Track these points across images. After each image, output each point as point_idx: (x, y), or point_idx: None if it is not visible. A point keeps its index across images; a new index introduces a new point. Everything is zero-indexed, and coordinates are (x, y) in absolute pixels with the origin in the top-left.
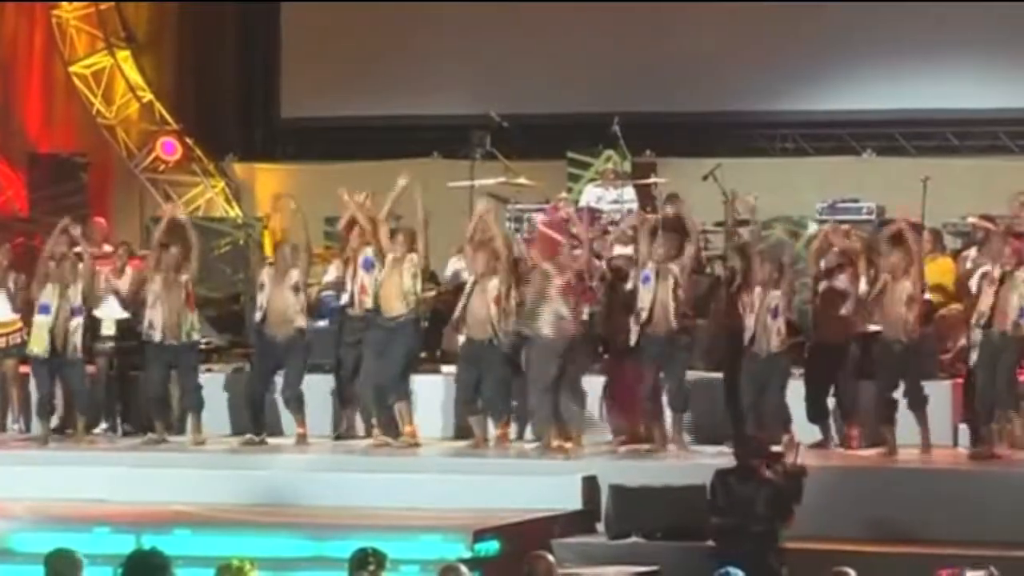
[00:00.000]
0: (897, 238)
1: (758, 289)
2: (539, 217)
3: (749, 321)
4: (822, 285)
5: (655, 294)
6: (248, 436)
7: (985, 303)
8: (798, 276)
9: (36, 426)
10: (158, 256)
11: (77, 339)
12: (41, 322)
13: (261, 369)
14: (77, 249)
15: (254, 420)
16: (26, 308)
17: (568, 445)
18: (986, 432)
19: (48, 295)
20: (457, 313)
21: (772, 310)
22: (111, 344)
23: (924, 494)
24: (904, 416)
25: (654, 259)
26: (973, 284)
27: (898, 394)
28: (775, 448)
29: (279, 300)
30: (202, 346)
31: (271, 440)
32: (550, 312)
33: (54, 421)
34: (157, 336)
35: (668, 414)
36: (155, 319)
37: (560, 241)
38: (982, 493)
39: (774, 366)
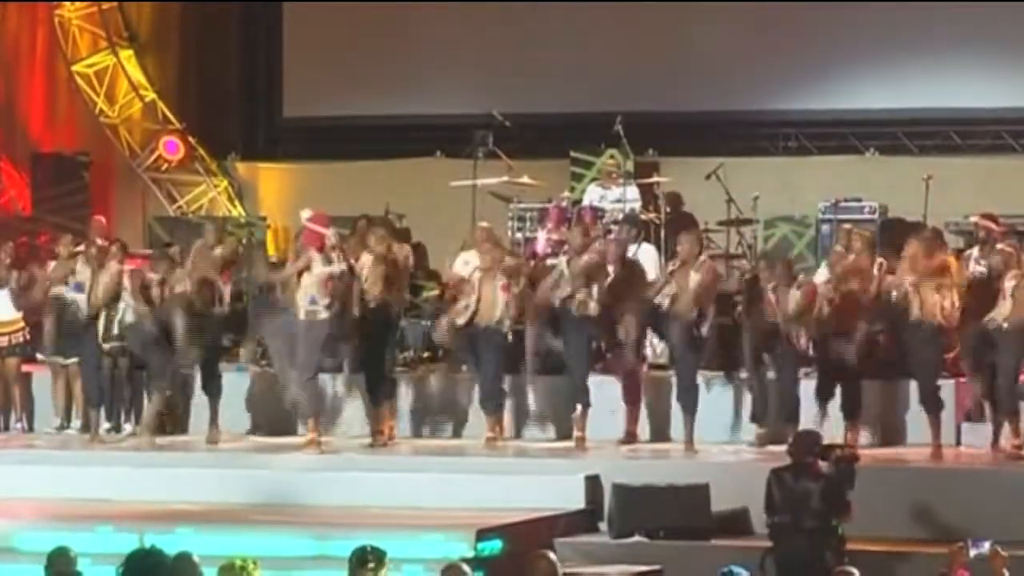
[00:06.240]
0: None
1: (771, 291)
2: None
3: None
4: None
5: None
6: None
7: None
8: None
9: (38, 425)
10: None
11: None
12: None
13: None
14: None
15: None
16: (29, 307)
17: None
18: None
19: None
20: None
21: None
22: (116, 343)
23: (930, 493)
24: (907, 414)
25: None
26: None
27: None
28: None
29: None
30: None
31: (279, 439)
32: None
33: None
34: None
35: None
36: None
37: (325, 235)
38: (988, 492)
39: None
